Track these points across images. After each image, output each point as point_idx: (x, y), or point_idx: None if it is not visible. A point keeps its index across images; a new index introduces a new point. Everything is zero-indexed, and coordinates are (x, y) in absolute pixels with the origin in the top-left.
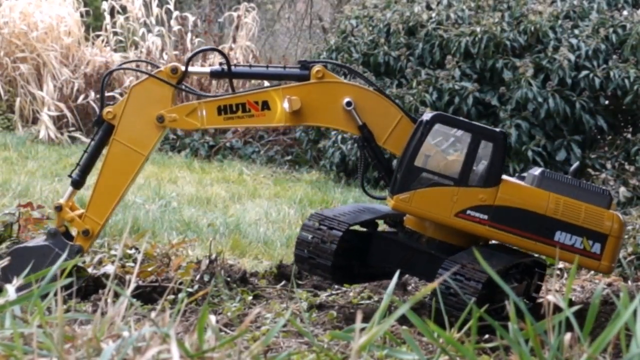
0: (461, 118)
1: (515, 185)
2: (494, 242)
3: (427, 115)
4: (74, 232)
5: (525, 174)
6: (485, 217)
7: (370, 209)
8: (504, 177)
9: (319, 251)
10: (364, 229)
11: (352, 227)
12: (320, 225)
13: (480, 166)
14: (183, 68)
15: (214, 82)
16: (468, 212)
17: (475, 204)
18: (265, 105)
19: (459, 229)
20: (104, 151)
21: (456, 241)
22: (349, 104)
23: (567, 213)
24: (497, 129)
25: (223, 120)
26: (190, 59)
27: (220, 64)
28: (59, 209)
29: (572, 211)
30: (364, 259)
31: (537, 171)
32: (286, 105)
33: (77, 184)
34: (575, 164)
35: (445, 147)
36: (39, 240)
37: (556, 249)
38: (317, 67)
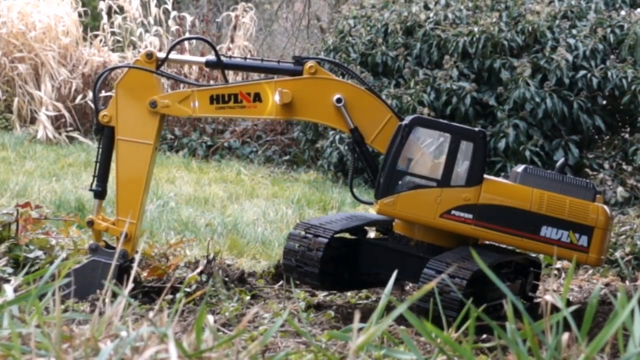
0: (440, 120)
1: (498, 183)
2: (487, 243)
3: (407, 119)
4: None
5: (509, 173)
6: (470, 216)
7: (359, 216)
8: (486, 176)
9: (306, 259)
10: (353, 236)
11: (340, 235)
12: (307, 233)
13: (462, 166)
14: (158, 53)
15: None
16: (453, 212)
17: (460, 203)
18: (257, 97)
19: (445, 230)
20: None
21: (444, 243)
22: (339, 100)
23: (551, 208)
24: (476, 129)
25: (215, 109)
26: (173, 47)
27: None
28: (90, 223)
29: (556, 205)
30: (354, 266)
31: (520, 168)
32: (277, 97)
33: (100, 194)
34: (561, 160)
35: (425, 150)
36: (83, 261)
37: (544, 244)
38: (310, 63)
